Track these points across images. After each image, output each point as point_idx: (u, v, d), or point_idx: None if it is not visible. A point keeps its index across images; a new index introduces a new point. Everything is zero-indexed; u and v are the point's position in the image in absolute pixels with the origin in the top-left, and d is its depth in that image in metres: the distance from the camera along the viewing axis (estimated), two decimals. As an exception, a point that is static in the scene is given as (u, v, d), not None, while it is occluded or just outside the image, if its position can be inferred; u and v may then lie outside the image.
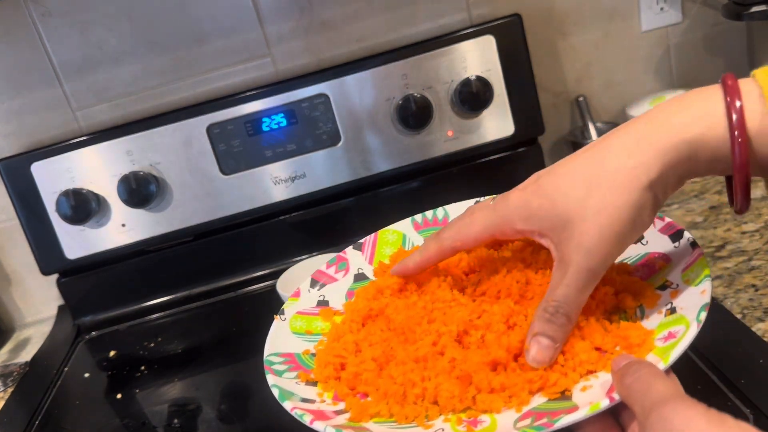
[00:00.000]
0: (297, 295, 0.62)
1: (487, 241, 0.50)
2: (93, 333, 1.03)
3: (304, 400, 0.50)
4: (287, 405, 0.48)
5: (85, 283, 1.03)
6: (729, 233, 0.82)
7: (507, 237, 0.50)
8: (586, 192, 0.44)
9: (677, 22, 1.07)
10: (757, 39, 0.98)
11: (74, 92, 1.02)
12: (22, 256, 1.07)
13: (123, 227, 0.99)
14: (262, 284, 1.03)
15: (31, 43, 0.98)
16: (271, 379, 0.52)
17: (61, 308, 1.10)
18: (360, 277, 0.63)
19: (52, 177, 0.96)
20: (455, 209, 0.66)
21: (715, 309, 0.68)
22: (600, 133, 1.05)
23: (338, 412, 0.49)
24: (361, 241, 0.66)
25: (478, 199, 0.65)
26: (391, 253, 0.64)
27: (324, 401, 0.51)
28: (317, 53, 1.03)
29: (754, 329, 0.65)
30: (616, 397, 0.40)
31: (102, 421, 0.82)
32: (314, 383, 0.53)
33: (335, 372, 0.52)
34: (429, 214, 0.66)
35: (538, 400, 0.45)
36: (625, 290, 0.51)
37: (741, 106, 0.41)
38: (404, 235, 0.65)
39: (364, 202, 1.02)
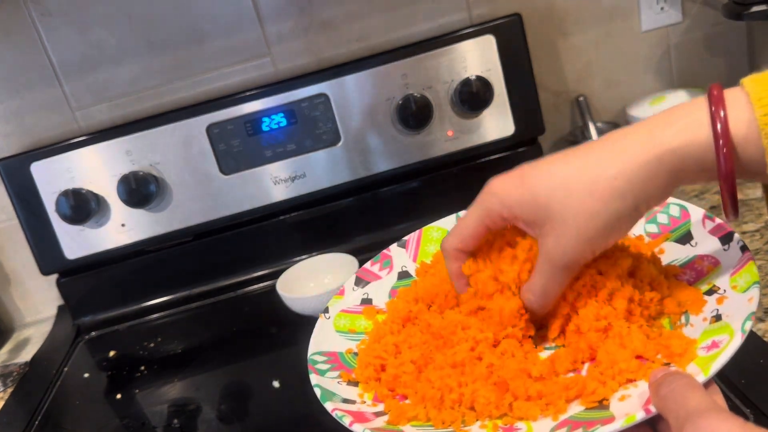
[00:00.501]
0: (342, 293, 0.62)
1: (484, 233, 0.51)
2: (93, 333, 1.03)
3: (345, 401, 0.51)
4: (328, 406, 0.49)
5: (85, 283, 1.03)
6: (729, 233, 0.82)
7: (498, 226, 0.51)
8: (565, 194, 0.45)
9: (677, 22, 1.07)
10: (758, 39, 0.98)
11: (74, 92, 1.02)
12: (21, 256, 1.07)
13: (123, 227, 0.99)
14: (262, 284, 1.03)
15: (30, 43, 0.98)
16: (314, 378, 0.52)
17: (60, 308, 1.10)
18: (404, 275, 0.63)
19: (52, 177, 0.96)
20: None
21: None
22: (600, 132, 1.05)
23: (377, 414, 0.49)
24: (406, 238, 0.66)
25: None
26: (434, 251, 0.63)
27: (364, 402, 0.51)
28: (317, 53, 1.03)
29: (754, 329, 0.65)
30: (653, 409, 0.39)
31: (102, 421, 0.82)
32: (355, 383, 0.53)
33: (376, 373, 0.53)
34: None
35: (575, 409, 0.45)
36: (671, 295, 0.50)
37: (725, 115, 0.41)
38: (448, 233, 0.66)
39: (363, 202, 1.02)
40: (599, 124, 1.07)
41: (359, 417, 0.48)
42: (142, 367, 0.90)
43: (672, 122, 0.44)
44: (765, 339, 0.64)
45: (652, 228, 0.57)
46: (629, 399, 0.44)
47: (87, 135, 0.97)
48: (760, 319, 0.67)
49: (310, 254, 1.00)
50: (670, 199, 0.57)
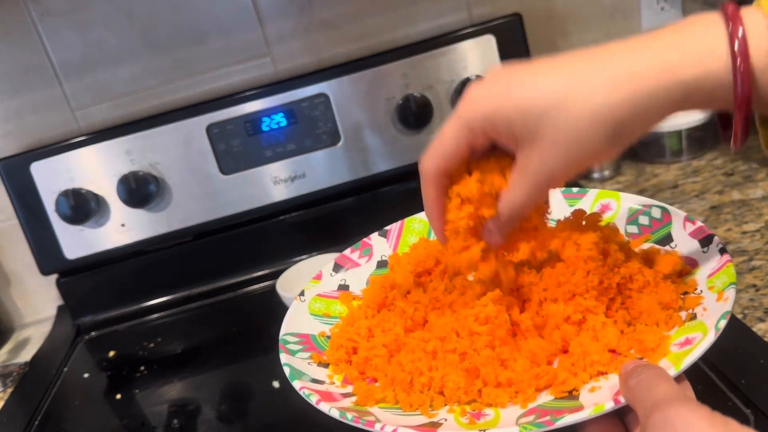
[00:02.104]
0: (319, 277, 0.62)
1: (466, 153, 0.47)
2: (92, 333, 1.03)
3: (314, 381, 0.51)
4: (296, 384, 0.49)
5: (85, 283, 1.03)
6: (730, 233, 0.82)
7: (479, 145, 0.47)
8: (561, 115, 0.42)
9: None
10: (758, 38, 0.98)
11: (74, 92, 1.02)
12: (21, 256, 1.07)
13: (122, 227, 0.99)
14: (262, 284, 1.03)
15: (30, 43, 0.98)
16: (284, 357, 0.52)
17: (60, 308, 1.10)
18: (383, 264, 0.63)
19: (52, 177, 0.96)
20: None
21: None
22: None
23: (346, 395, 0.49)
24: (387, 228, 0.66)
25: None
26: (414, 243, 0.64)
27: (333, 383, 0.51)
28: (317, 53, 1.03)
29: (754, 329, 0.65)
30: (622, 399, 0.39)
31: (101, 421, 0.82)
32: (326, 365, 0.53)
33: (347, 355, 0.53)
34: None
35: (545, 398, 0.45)
36: (652, 294, 0.50)
37: (744, 36, 0.39)
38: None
39: (364, 202, 1.02)
40: (599, 124, 1.07)
41: (327, 396, 0.48)
42: (142, 368, 0.90)
43: (683, 46, 0.40)
44: (765, 339, 0.64)
45: (633, 229, 0.58)
46: (599, 390, 0.44)
47: (87, 135, 0.97)
48: (760, 319, 0.67)
49: (310, 254, 0.99)
50: (652, 201, 0.58)
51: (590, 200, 0.61)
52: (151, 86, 1.02)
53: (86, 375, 0.93)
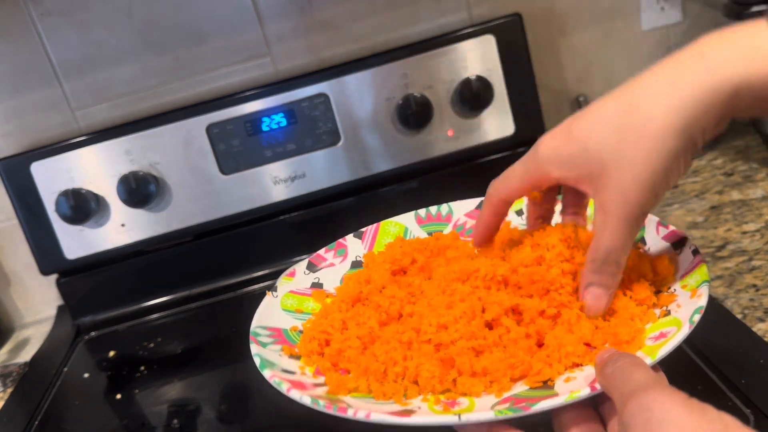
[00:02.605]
0: (292, 275, 0.62)
1: (530, 190, 0.50)
2: (92, 333, 1.03)
3: (285, 371, 0.50)
4: (266, 373, 0.48)
5: (85, 283, 1.03)
6: (729, 233, 0.82)
7: (548, 184, 0.49)
8: (618, 140, 0.42)
9: (678, 22, 1.07)
10: (758, 38, 0.98)
11: (74, 92, 1.02)
12: (21, 256, 1.07)
13: (122, 227, 0.99)
14: (262, 284, 1.03)
15: (30, 43, 0.98)
16: (254, 348, 0.52)
17: (60, 308, 1.10)
18: (357, 264, 0.63)
19: (52, 177, 0.96)
20: (459, 206, 0.66)
21: (716, 309, 0.68)
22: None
23: (317, 385, 0.49)
24: (363, 230, 0.66)
25: (483, 198, 0.65)
26: (389, 242, 0.64)
27: (305, 374, 0.51)
28: (317, 53, 1.03)
29: (754, 329, 0.65)
30: (598, 387, 0.40)
31: (101, 421, 0.82)
32: (298, 357, 0.53)
33: (319, 347, 0.53)
34: (433, 209, 0.66)
35: (520, 388, 0.45)
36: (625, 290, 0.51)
37: None
38: (406, 228, 0.66)
39: (364, 202, 1.02)
40: (599, 124, 1.07)
41: (298, 385, 0.47)
42: (142, 367, 0.90)
43: (727, 46, 0.41)
44: (766, 339, 0.64)
45: None
46: (574, 381, 0.44)
47: (87, 135, 0.97)
48: (761, 319, 0.67)
49: (309, 254, 0.99)
50: None
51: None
52: (151, 86, 1.02)
53: (86, 375, 0.93)
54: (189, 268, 1.04)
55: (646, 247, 0.55)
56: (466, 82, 0.95)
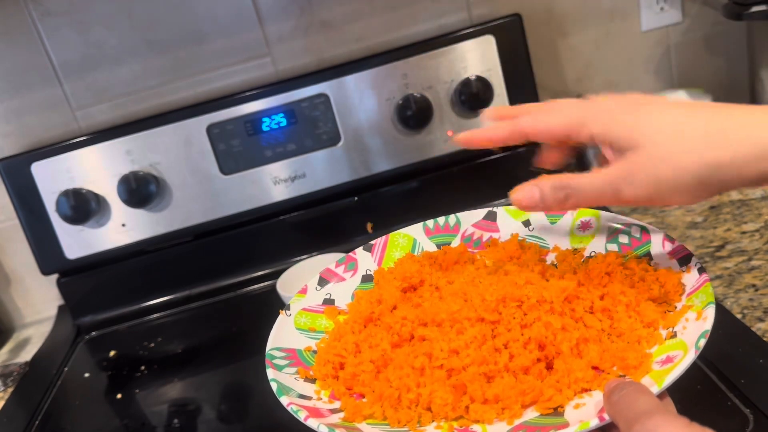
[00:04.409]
0: (304, 291, 0.63)
1: (559, 137, 0.50)
2: (93, 333, 1.03)
3: (301, 397, 0.51)
4: (284, 400, 0.49)
5: (85, 283, 1.03)
6: (729, 233, 0.82)
7: (579, 139, 0.49)
8: (672, 137, 0.44)
9: (677, 22, 1.07)
10: (758, 39, 0.98)
11: (74, 92, 1.02)
12: (21, 256, 1.07)
13: (123, 227, 0.99)
14: (262, 284, 1.03)
15: (30, 43, 0.98)
16: (270, 373, 0.52)
17: (61, 308, 1.10)
18: (367, 278, 0.64)
19: (52, 177, 0.96)
20: (467, 217, 0.67)
21: (716, 309, 0.68)
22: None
23: (333, 411, 0.49)
24: (372, 242, 0.66)
25: (490, 209, 0.66)
26: (399, 257, 0.64)
27: (320, 399, 0.51)
28: (317, 53, 1.03)
29: (754, 329, 0.65)
30: (606, 417, 0.40)
31: (102, 421, 0.82)
32: (313, 380, 0.54)
33: (334, 371, 0.53)
34: (441, 220, 0.67)
35: (531, 414, 0.46)
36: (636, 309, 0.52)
37: None
38: (415, 240, 0.66)
39: (364, 202, 1.02)
40: (599, 124, 1.07)
41: (315, 412, 0.48)
42: (143, 367, 0.90)
43: None
44: (765, 339, 0.64)
45: (613, 247, 0.59)
46: (584, 407, 0.45)
47: (87, 135, 0.97)
48: (760, 319, 0.67)
49: (310, 254, 1.00)
50: (632, 221, 0.59)
51: (571, 218, 0.62)
52: (152, 86, 1.02)
53: (87, 375, 0.93)
54: (189, 268, 1.04)
55: (653, 263, 0.55)
56: (466, 83, 0.96)
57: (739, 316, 0.68)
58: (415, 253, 0.65)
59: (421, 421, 0.47)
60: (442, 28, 1.02)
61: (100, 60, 1.00)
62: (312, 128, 0.98)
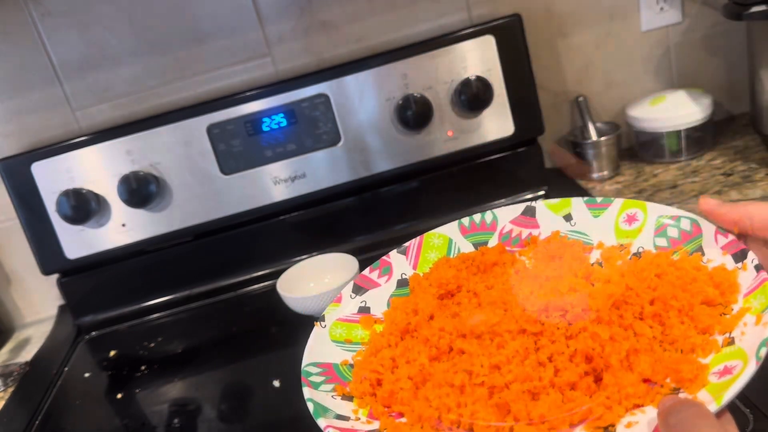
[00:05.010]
0: (339, 300, 0.60)
1: (733, 223, 0.49)
2: (93, 333, 1.03)
3: (339, 417, 0.49)
4: (321, 422, 0.47)
5: (86, 283, 1.03)
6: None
7: (743, 229, 0.48)
8: None
9: (677, 22, 1.08)
10: (757, 39, 0.98)
11: (74, 92, 1.02)
12: (22, 256, 1.07)
13: (123, 227, 0.99)
14: (262, 284, 1.03)
15: (31, 43, 0.99)
16: (307, 392, 0.50)
17: (61, 308, 1.10)
18: (403, 283, 0.62)
19: (52, 177, 0.97)
20: (504, 213, 0.64)
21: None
22: (600, 133, 1.05)
23: None
24: (406, 244, 0.64)
25: (529, 204, 0.63)
26: (435, 259, 0.62)
27: (359, 419, 0.49)
28: (317, 53, 1.03)
29: (753, 329, 0.65)
30: None
31: (102, 420, 0.82)
32: (350, 398, 0.52)
33: (371, 388, 0.51)
34: (477, 217, 0.64)
35: None
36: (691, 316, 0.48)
37: None
38: (450, 240, 0.64)
39: (364, 202, 1.02)
40: (599, 125, 1.07)
41: None
42: (143, 367, 0.90)
43: None
44: (764, 339, 0.64)
45: (662, 242, 0.55)
46: (636, 426, 0.42)
47: (87, 135, 0.97)
48: (760, 319, 0.67)
49: (310, 254, 1.00)
50: (681, 212, 0.55)
51: (615, 211, 0.59)
52: (152, 86, 1.02)
53: (87, 374, 0.93)
54: (189, 268, 1.04)
55: (705, 259, 0.52)
56: (466, 83, 0.96)
57: (738, 316, 0.68)
58: (451, 255, 0.62)
59: None
60: (442, 29, 1.02)
61: (100, 60, 1.00)
62: (312, 128, 0.98)
